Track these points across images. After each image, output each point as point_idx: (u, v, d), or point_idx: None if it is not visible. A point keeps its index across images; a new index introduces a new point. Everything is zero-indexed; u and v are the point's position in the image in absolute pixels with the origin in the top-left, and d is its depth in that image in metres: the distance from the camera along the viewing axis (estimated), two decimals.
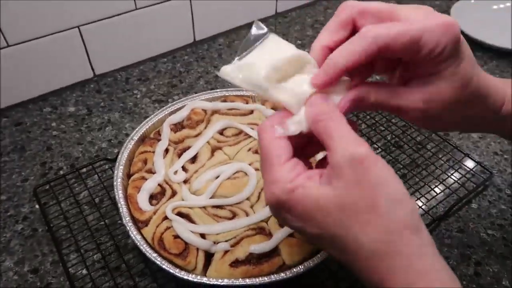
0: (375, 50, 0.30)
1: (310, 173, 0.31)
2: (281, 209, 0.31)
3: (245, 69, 0.34)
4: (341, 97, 0.33)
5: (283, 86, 0.34)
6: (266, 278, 0.42)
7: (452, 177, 0.60)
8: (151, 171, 0.52)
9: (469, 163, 0.62)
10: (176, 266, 0.44)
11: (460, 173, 0.61)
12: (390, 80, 0.37)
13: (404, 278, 0.27)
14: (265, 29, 0.36)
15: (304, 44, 0.87)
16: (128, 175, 0.54)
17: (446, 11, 0.95)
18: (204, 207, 0.48)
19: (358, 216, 0.28)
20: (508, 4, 0.94)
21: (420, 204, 0.57)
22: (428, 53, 0.31)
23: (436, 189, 0.58)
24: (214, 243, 0.45)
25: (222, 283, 0.42)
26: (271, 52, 0.35)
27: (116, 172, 0.52)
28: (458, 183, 0.59)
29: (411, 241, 0.28)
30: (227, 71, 0.35)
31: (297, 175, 0.30)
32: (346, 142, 0.29)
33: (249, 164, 0.52)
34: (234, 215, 0.48)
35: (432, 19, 0.31)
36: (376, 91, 0.34)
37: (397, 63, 0.36)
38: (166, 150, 0.55)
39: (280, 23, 0.93)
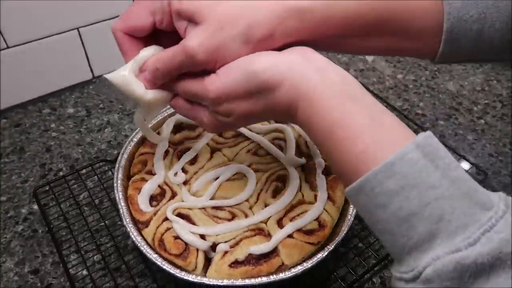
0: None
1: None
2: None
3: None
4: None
5: None
6: (265, 279, 0.43)
7: None
8: (151, 173, 0.53)
9: (465, 165, 0.63)
10: (177, 266, 0.44)
11: None
12: None
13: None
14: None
15: None
16: (128, 177, 0.54)
17: None
18: (204, 208, 0.49)
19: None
20: None
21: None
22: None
23: None
24: (212, 247, 0.45)
25: (222, 284, 0.42)
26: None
27: (116, 173, 0.53)
28: None
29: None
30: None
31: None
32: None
33: (248, 166, 0.53)
34: (233, 216, 0.48)
35: None
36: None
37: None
38: (166, 152, 0.55)
39: None
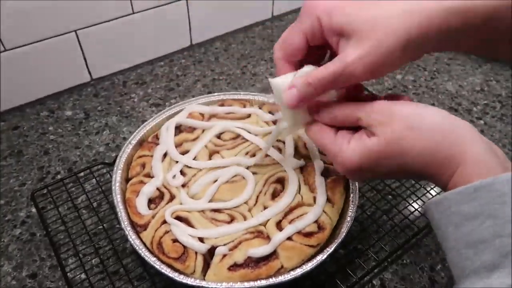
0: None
1: (357, 136, 0.36)
2: (354, 170, 0.36)
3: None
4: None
5: None
6: (264, 282, 0.43)
7: None
8: (149, 175, 0.53)
9: None
10: (175, 270, 0.44)
11: None
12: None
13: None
14: None
15: None
16: (126, 179, 0.54)
17: None
18: (203, 211, 0.49)
19: (403, 141, 0.33)
20: None
21: (416, 206, 0.57)
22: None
23: (432, 192, 0.59)
24: (211, 250, 0.45)
25: (221, 287, 0.42)
26: None
27: (114, 176, 0.52)
28: None
29: (453, 132, 0.33)
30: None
31: (348, 141, 0.36)
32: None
33: (247, 168, 0.52)
34: (232, 219, 0.48)
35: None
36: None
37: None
38: (165, 154, 0.55)
39: (276, 26, 0.94)
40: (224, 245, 0.45)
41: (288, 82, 0.38)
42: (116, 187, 0.51)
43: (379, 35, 0.33)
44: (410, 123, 0.34)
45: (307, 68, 0.39)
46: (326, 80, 0.35)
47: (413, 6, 0.33)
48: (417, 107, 0.35)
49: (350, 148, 0.36)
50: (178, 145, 0.56)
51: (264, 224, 0.47)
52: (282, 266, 0.44)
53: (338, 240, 0.45)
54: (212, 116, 0.60)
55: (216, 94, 0.63)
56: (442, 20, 0.32)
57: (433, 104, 0.74)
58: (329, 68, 0.35)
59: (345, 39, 0.35)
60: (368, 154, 0.35)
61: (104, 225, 0.54)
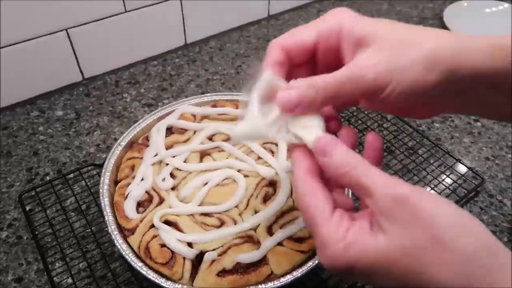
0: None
1: (359, 224, 0.28)
2: (341, 270, 0.28)
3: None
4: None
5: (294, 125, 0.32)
6: None
7: (444, 182, 0.60)
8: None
9: (461, 169, 0.62)
10: (163, 275, 0.43)
11: (451, 178, 0.60)
12: None
13: None
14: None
15: None
16: (116, 182, 0.53)
17: (439, 14, 0.95)
18: (192, 215, 0.48)
19: (426, 257, 0.25)
20: (501, 7, 0.94)
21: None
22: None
23: None
24: (199, 255, 0.44)
25: None
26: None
27: (102, 178, 0.51)
28: (450, 189, 0.59)
29: (492, 266, 0.25)
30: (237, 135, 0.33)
31: (347, 230, 0.28)
32: (382, 185, 0.27)
33: (238, 171, 0.51)
34: (222, 223, 0.47)
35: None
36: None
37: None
38: (155, 156, 0.54)
39: (272, 26, 0.93)
40: (213, 250, 0.44)
41: (255, 112, 0.32)
42: (104, 189, 0.50)
43: (401, 42, 0.29)
44: (438, 234, 0.25)
45: (267, 75, 0.33)
46: (331, 85, 0.31)
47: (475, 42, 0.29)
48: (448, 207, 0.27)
49: (347, 241, 0.27)
50: (168, 147, 0.55)
51: (255, 228, 0.46)
52: (272, 272, 0.43)
53: None
54: (204, 117, 0.59)
55: (208, 94, 0.62)
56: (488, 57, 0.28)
57: None
58: (336, 72, 0.31)
59: (363, 49, 0.31)
60: (370, 257, 0.27)
61: (93, 228, 0.53)
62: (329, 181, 0.32)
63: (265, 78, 0.32)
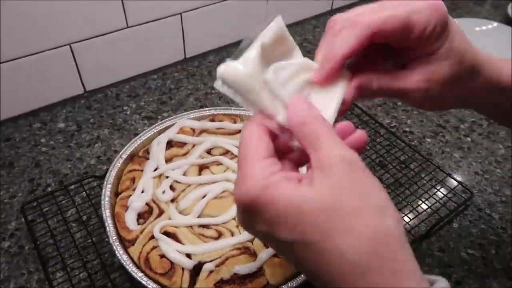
0: (369, 36, 0.31)
1: (288, 174, 0.28)
2: (248, 210, 0.27)
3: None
4: (343, 89, 0.33)
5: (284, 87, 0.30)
6: None
7: (434, 196, 0.62)
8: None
9: (451, 183, 0.64)
10: (162, 286, 0.45)
11: (442, 192, 0.62)
12: (386, 68, 0.37)
13: None
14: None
15: None
16: (116, 194, 0.54)
17: None
18: (191, 226, 0.49)
19: (341, 220, 0.25)
20: (491, 26, 0.97)
21: (412, 216, 0.58)
22: (419, 33, 0.32)
23: (419, 209, 0.60)
24: (198, 265, 0.46)
25: None
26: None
27: (104, 190, 0.53)
28: (440, 203, 0.61)
29: (398, 256, 0.26)
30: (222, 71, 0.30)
31: (272, 173, 0.27)
32: (335, 144, 0.28)
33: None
34: (220, 235, 0.48)
35: (418, 1, 0.32)
36: (378, 77, 0.34)
37: (390, 52, 0.36)
38: (155, 169, 0.55)
39: None
40: (211, 261, 0.46)
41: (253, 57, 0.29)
42: (106, 201, 0.52)
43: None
44: (366, 207, 0.26)
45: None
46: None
47: None
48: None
49: (268, 182, 0.27)
50: (168, 160, 0.57)
51: (251, 240, 0.48)
52: (268, 283, 0.45)
53: None
54: (203, 131, 0.61)
55: (207, 108, 0.64)
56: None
57: (421, 121, 0.76)
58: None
59: None
60: (284, 202, 0.26)
61: (93, 238, 0.54)
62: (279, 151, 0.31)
63: (273, 27, 0.29)
